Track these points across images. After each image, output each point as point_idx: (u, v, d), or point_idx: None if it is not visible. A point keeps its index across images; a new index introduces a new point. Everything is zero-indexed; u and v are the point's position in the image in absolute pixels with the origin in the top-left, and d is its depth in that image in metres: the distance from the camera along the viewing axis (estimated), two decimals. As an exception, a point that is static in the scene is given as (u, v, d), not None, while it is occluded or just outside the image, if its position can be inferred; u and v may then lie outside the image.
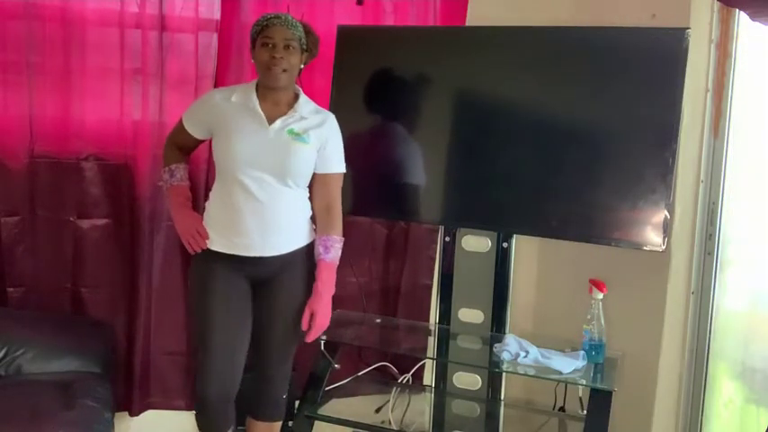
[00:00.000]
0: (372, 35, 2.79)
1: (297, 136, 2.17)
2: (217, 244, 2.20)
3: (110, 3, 2.57)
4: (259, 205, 2.15)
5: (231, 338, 2.21)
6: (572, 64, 2.47)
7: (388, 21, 2.88)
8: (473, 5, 2.89)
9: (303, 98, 2.25)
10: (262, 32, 2.16)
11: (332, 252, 2.24)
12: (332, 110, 2.66)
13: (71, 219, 2.63)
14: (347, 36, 2.71)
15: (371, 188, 2.74)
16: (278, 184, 2.17)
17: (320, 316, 2.22)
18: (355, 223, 2.89)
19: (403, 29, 2.87)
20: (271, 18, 2.16)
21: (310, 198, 2.29)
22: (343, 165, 2.31)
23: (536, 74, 2.51)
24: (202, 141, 2.33)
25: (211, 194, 2.26)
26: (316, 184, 2.27)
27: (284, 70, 2.14)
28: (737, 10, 2.43)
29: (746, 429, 2.56)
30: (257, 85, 2.22)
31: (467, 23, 2.88)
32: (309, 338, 2.23)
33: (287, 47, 2.14)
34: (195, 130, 2.28)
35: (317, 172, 2.25)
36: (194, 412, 2.30)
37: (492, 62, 2.57)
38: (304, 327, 2.21)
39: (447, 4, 2.91)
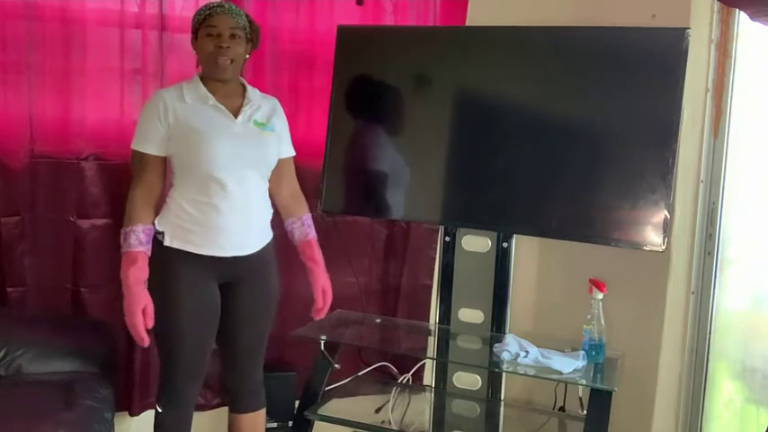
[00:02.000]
0: (372, 35, 2.78)
1: (263, 126, 2.18)
2: (188, 245, 2.11)
3: (110, 3, 2.57)
4: (238, 203, 2.12)
5: (200, 340, 2.18)
6: (572, 64, 2.47)
7: (388, 21, 2.88)
8: (473, 5, 2.89)
9: (249, 87, 2.23)
10: (205, 22, 2.10)
11: (313, 229, 2.39)
12: (332, 110, 2.69)
13: (71, 219, 2.62)
14: (347, 36, 2.70)
15: (371, 188, 2.74)
16: (255, 177, 2.16)
17: (329, 290, 2.37)
18: (355, 223, 2.89)
19: (403, 29, 2.87)
20: (214, 7, 2.11)
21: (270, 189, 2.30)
22: (292, 148, 2.37)
23: (536, 74, 2.51)
24: (166, 164, 2.16)
25: (176, 194, 2.13)
26: (273, 171, 2.26)
27: (231, 60, 2.10)
28: (737, 10, 2.43)
29: (746, 429, 2.56)
30: (202, 80, 2.15)
31: (467, 23, 2.88)
32: (323, 314, 2.37)
33: (232, 36, 2.10)
34: (160, 148, 2.11)
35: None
36: (156, 411, 2.24)
37: (492, 62, 2.56)
38: (319, 305, 2.35)
39: (447, 4, 2.91)
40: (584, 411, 2.36)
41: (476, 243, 2.64)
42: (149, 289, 2.07)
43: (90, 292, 2.66)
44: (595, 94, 2.45)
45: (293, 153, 2.37)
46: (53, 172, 2.59)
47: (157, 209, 2.15)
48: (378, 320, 2.86)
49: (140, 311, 2.03)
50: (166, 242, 2.12)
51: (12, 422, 2.05)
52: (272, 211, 2.28)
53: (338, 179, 2.72)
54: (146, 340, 2.05)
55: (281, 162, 2.29)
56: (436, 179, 2.66)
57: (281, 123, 2.29)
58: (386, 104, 2.70)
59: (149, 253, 2.08)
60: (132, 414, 2.74)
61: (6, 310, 2.57)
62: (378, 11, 2.86)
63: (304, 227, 2.36)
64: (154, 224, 2.12)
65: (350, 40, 2.70)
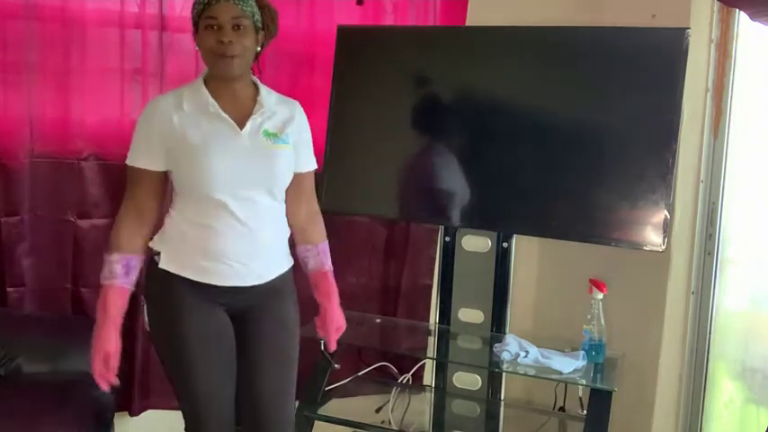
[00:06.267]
0: (372, 35, 2.79)
1: (274, 137, 1.86)
2: (185, 270, 1.83)
3: (110, 3, 2.57)
4: (243, 227, 1.81)
5: (219, 383, 1.87)
6: (572, 64, 2.47)
7: (388, 21, 2.88)
8: (473, 5, 2.89)
9: (264, 88, 1.90)
10: (204, 12, 1.77)
11: (329, 259, 2.05)
12: (332, 110, 2.68)
13: (71, 219, 2.63)
14: (347, 36, 2.70)
15: (371, 188, 2.74)
16: (264, 198, 1.85)
17: (344, 328, 2.06)
18: (355, 223, 2.89)
19: (403, 29, 2.87)
20: None
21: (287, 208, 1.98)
22: (314, 160, 2.03)
23: (536, 74, 2.51)
24: (166, 180, 1.87)
25: (174, 213, 1.87)
26: (290, 188, 1.94)
27: (236, 56, 1.78)
28: (737, 10, 2.43)
29: (746, 429, 2.57)
30: (206, 81, 1.85)
31: (467, 23, 2.88)
32: (333, 346, 2.07)
33: (236, 27, 1.77)
34: (153, 162, 1.82)
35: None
36: None
37: (492, 62, 2.56)
38: (333, 345, 2.06)
39: (447, 4, 2.91)
40: (584, 411, 2.36)
41: (476, 243, 2.64)
42: (149, 320, 1.90)
43: (90, 292, 2.66)
44: (595, 94, 2.45)
45: (314, 167, 2.02)
46: (53, 172, 2.59)
47: (152, 230, 1.89)
48: (378, 320, 2.86)
49: (101, 357, 1.78)
50: (162, 264, 1.85)
51: (12, 422, 2.05)
52: (288, 234, 1.98)
53: (338, 179, 2.72)
54: (104, 387, 1.80)
55: (299, 177, 1.95)
56: (436, 179, 2.66)
57: (300, 133, 1.94)
58: (385, 105, 2.70)
59: (129, 287, 1.84)
60: (132, 414, 2.74)
61: (6, 310, 2.57)
62: (378, 11, 2.86)
63: (320, 256, 2.01)
64: (148, 248, 1.87)
65: (350, 40, 2.70)
